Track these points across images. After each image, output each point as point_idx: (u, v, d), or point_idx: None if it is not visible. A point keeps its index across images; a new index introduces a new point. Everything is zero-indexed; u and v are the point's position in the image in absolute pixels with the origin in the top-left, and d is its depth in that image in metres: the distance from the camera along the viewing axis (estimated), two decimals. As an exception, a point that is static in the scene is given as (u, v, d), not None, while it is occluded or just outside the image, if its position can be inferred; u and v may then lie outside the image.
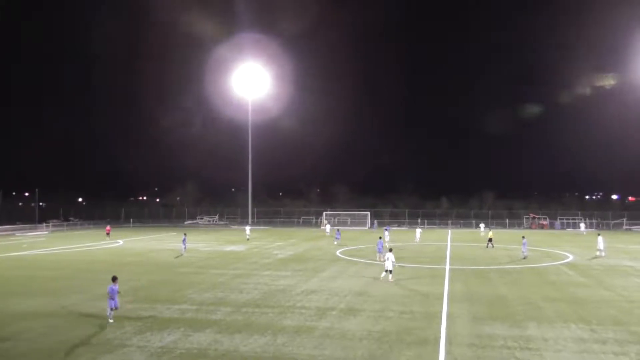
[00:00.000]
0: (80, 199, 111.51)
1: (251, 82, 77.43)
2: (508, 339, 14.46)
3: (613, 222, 72.29)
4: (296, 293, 21.37)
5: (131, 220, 80.00)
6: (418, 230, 49.29)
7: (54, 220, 70.98)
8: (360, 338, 14.61)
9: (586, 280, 24.79)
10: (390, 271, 23.57)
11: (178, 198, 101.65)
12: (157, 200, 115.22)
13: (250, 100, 79.29)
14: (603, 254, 33.59)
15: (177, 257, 32.90)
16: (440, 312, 17.67)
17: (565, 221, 72.50)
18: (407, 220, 78.28)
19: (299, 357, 13.04)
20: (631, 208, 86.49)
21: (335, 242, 43.86)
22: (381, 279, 23.93)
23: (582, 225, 59.80)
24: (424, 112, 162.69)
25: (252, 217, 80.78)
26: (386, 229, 50.45)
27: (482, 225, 57.99)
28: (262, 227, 72.22)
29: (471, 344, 14.02)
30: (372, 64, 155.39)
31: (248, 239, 47.66)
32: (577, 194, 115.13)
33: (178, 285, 23.33)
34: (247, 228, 51.68)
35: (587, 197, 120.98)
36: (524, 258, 32.74)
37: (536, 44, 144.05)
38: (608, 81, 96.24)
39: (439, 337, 14.63)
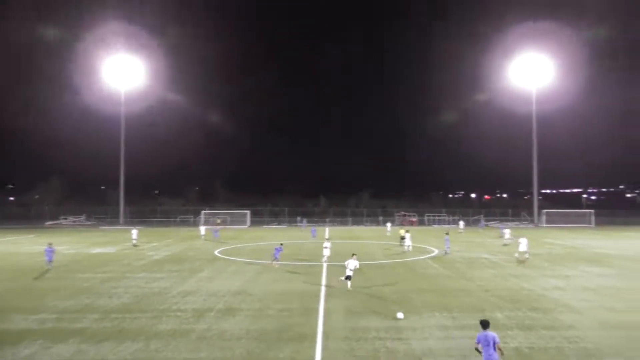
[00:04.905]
0: None
1: (124, 73, 73.30)
2: (380, 331, 15.17)
3: (472, 218, 79.56)
4: (172, 295, 20.52)
5: (-21, 221, 71.11)
6: (407, 236, 39.02)
7: None
8: (238, 337, 14.40)
9: (450, 272, 26.94)
10: (349, 277, 21.59)
11: (37, 196, 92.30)
12: (11, 199, 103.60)
13: (123, 91, 74.78)
14: (527, 255, 31.15)
15: (44, 272, 28.66)
16: (318, 308, 18.05)
17: (432, 218, 78.40)
18: (287, 219, 79.30)
19: (173, 362, 12.49)
20: (487, 206, 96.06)
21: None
22: (338, 282, 22.73)
23: (461, 223, 63.73)
24: (305, 113, 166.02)
25: (125, 217, 76.12)
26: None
27: (388, 225, 59.60)
28: (136, 227, 68.29)
29: (346, 337, 14.49)
30: (259, 59, 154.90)
31: (135, 245, 41.25)
32: (441, 193, 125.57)
33: (36, 292, 21.19)
34: (134, 231, 43.12)
35: (450, 195, 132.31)
36: (447, 253, 34.74)
37: (413, 53, 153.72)
38: (477, 96, 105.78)
39: (316, 333, 14.94)
